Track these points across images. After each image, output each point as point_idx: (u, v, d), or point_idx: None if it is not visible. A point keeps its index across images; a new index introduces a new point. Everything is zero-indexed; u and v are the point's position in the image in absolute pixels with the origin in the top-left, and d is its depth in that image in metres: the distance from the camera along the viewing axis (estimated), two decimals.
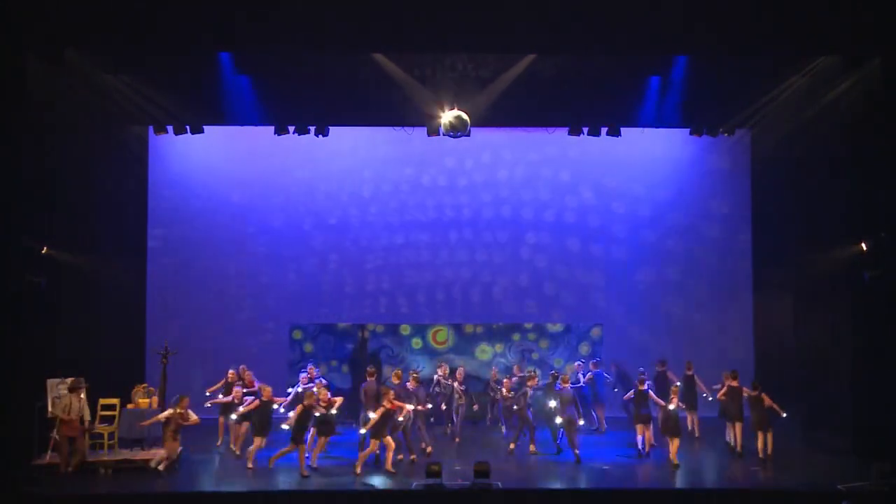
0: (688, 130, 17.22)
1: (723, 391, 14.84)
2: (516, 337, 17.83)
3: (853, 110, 14.67)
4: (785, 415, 14.36)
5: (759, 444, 14.08)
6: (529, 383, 14.63)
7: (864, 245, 14.38)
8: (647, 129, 17.42)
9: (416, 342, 17.79)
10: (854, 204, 14.84)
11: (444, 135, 15.34)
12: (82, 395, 13.19)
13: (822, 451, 14.67)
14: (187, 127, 16.60)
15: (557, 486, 12.72)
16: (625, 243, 18.77)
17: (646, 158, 18.65)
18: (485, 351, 17.71)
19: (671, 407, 13.80)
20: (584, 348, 17.66)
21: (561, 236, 18.78)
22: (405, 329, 17.91)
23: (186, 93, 15.93)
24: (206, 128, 16.74)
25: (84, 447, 13.26)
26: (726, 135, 17.39)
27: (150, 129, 17.34)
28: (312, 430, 13.67)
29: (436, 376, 16.00)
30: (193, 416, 13.44)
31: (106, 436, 13.82)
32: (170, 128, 16.63)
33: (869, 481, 12.20)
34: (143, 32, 13.76)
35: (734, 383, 14.74)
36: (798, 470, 13.35)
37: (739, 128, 17.32)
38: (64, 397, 13.13)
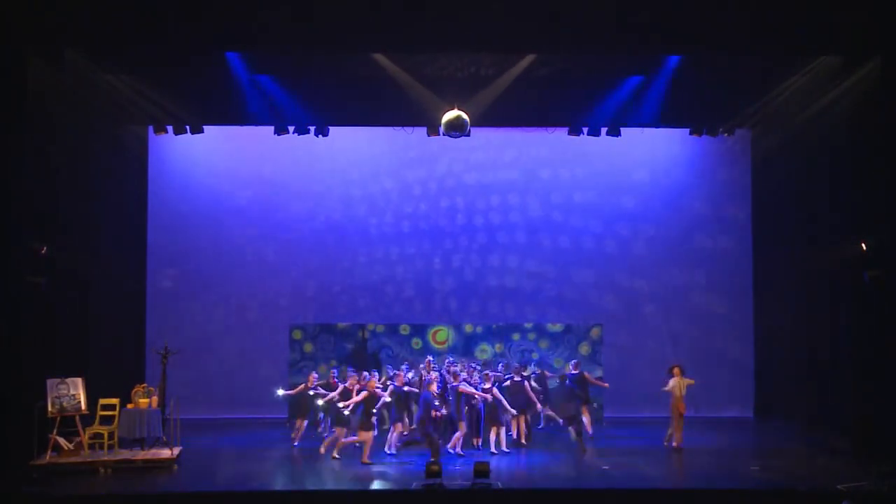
0: (688, 130, 17.21)
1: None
2: (516, 337, 17.82)
3: (853, 110, 14.66)
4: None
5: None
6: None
7: (864, 245, 14.37)
8: (646, 129, 17.41)
9: (416, 342, 17.77)
10: (854, 204, 14.84)
11: (443, 135, 15.33)
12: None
13: (822, 451, 14.66)
14: (187, 127, 16.59)
15: (557, 486, 12.71)
16: (625, 243, 18.76)
17: (645, 158, 18.65)
18: (485, 351, 17.70)
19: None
20: (584, 348, 17.64)
21: (560, 236, 18.79)
22: (405, 329, 17.90)
23: (186, 93, 15.92)
24: (206, 128, 16.74)
25: None
26: (726, 135, 17.39)
27: (150, 129, 17.33)
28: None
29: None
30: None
31: (106, 436, 13.81)
32: (170, 128, 16.62)
33: (869, 481, 12.20)
34: (143, 32, 13.75)
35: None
36: (798, 470, 13.34)
37: (739, 128, 17.32)
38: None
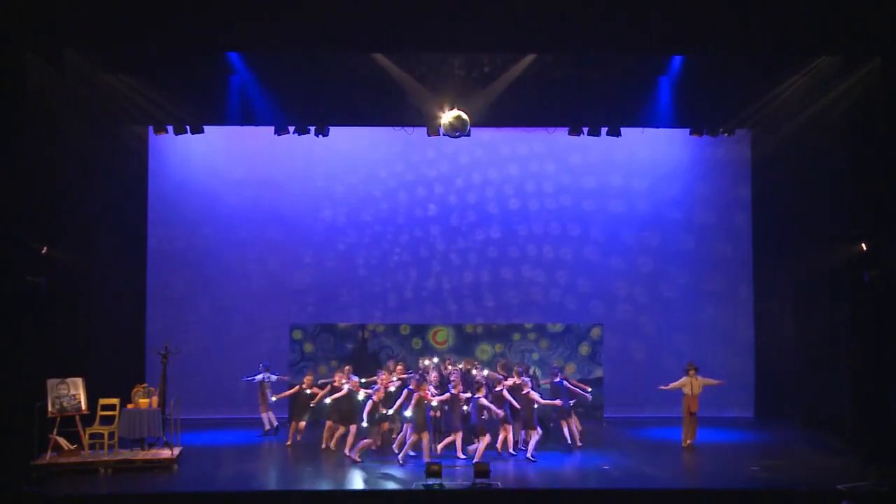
0: (688, 130, 17.20)
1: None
2: (516, 337, 17.82)
3: (853, 110, 14.67)
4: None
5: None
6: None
7: (864, 245, 14.37)
8: (647, 129, 17.41)
9: (416, 342, 17.77)
10: (854, 204, 14.84)
11: (444, 135, 15.34)
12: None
13: (822, 451, 14.67)
14: (187, 127, 16.58)
15: (557, 486, 12.72)
16: (625, 243, 18.75)
17: (646, 158, 18.65)
18: (485, 351, 17.70)
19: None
20: (584, 348, 17.65)
21: (561, 236, 18.78)
22: (405, 329, 17.90)
23: (186, 93, 15.90)
24: (206, 128, 16.73)
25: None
26: (726, 135, 17.37)
27: (150, 129, 17.33)
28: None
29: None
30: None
31: (106, 436, 13.82)
32: (170, 128, 16.61)
33: (869, 481, 12.20)
34: (143, 32, 13.76)
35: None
36: (798, 470, 13.35)
37: (739, 128, 17.30)
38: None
